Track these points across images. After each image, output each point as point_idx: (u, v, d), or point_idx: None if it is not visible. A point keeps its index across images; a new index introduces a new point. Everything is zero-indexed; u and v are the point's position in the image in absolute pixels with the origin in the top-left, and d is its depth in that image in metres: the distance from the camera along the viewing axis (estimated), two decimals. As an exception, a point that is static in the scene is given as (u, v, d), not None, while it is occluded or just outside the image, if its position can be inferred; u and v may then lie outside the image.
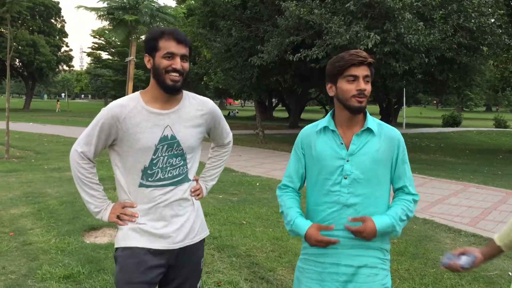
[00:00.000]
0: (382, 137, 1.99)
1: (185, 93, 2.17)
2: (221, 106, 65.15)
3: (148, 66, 2.08)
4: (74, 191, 7.22)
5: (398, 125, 34.62)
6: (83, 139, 2.08)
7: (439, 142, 22.59)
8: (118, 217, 2.05)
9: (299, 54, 12.71)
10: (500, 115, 40.49)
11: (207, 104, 2.22)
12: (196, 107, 2.16)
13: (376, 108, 48.98)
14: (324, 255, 1.99)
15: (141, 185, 2.06)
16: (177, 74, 2.00)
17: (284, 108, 43.41)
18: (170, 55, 1.99)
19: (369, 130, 1.98)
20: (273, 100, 43.81)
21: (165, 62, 2.00)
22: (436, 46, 12.79)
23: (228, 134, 2.44)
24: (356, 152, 1.96)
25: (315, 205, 2.05)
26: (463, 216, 6.67)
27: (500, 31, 14.57)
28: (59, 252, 4.51)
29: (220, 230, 5.38)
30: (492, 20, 14.60)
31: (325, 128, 2.03)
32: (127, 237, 2.09)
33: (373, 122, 2.01)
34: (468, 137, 27.10)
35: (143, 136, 2.01)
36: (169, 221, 2.09)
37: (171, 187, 2.09)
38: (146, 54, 2.07)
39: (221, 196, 7.28)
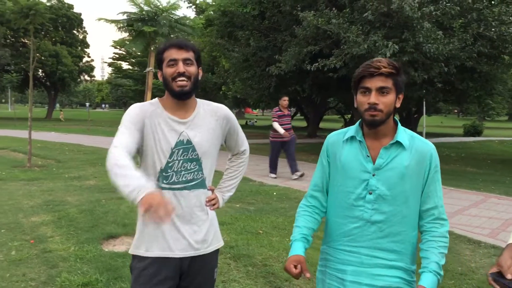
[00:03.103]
0: (413, 152, 1.86)
1: (199, 101, 2.22)
2: (240, 116, 65.36)
3: (161, 79, 2.14)
4: (94, 200, 7.34)
5: (418, 135, 34.21)
6: (116, 138, 2.00)
7: (460, 151, 22.26)
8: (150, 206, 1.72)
9: (317, 64, 12.73)
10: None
11: (222, 109, 2.26)
12: (210, 113, 2.20)
13: (396, 117, 48.62)
14: (345, 272, 1.92)
15: (156, 186, 2.07)
16: (183, 78, 2.04)
17: (302, 117, 43.37)
18: (173, 62, 2.05)
19: (398, 143, 1.86)
20: (291, 109, 43.85)
21: (169, 70, 2.06)
22: (455, 55, 12.67)
23: (243, 141, 2.46)
24: (383, 166, 1.86)
25: (336, 217, 1.98)
26: (483, 227, 6.56)
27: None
28: (78, 259, 4.58)
29: (236, 240, 5.39)
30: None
31: (353, 137, 1.93)
32: (140, 243, 2.13)
33: (404, 134, 1.89)
34: (489, 146, 26.65)
35: (162, 137, 2.07)
36: (182, 228, 2.11)
37: (185, 191, 2.10)
38: (158, 70, 2.15)
39: (238, 205, 7.31)
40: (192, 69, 2.08)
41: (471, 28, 12.57)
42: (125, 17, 13.59)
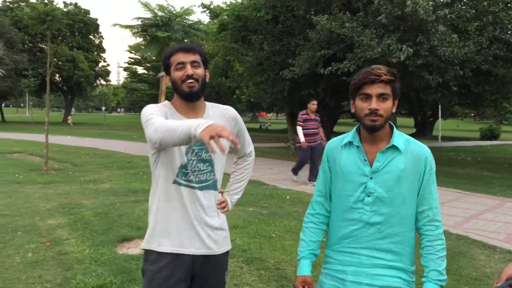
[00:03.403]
0: (409, 155, 1.93)
1: (208, 104, 2.26)
2: (254, 119, 65.42)
3: (170, 84, 2.20)
4: (109, 203, 7.43)
5: (433, 138, 33.93)
6: (152, 120, 1.98)
7: (476, 155, 21.99)
8: (211, 137, 1.72)
9: (331, 68, 12.69)
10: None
11: (230, 111, 2.31)
12: (220, 115, 2.24)
13: (411, 121, 48.15)
14: (345, 273, 1.97)
15: (174, 182, 2.12)
16: (192, 81, 2.09)
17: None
18: (181, 65, 2.10)
19: (394, 147, 1.93)
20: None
21: (178, 74, 2.11)
22: (471, 58, 12.54)
23: (249, 143, 2.50)
24: (380, 169, 1.92)
25: (337, 220, 2.04)
26: (499, 232, 6.48)
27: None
28: (93, 262, 4.64)
29: (249, 243, 5.41)
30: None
31: (350, 143, 2.00)
32: (153, 238, 2.16)
33: (399, 138, 1.95)
34: (506, 150, 26.28)
35: None
36: (197, 227, 2.14)
37: (200, 191, 2.14)
38: (166, 76, 2.21)
39: (251, 209, 7.33)
40: (200, 71, 2.13)
41: (487, 31, 12.42)
42: (139, 22, 13.81)
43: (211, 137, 1.69)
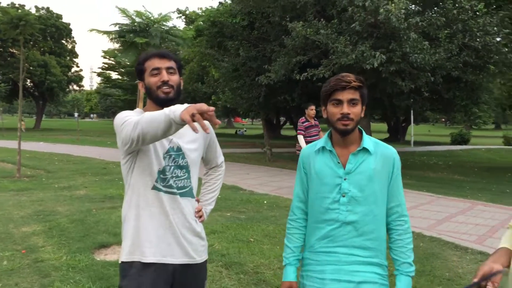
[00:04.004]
0: (378, 156, 2.06)
1: None
2: (229, 125, 65.42)
3: (143, 90, 2.18)
4: (85, 209, 7.35)
5: (406, 143, 34.56)
6: (131, 119, 1.93)
7: (447, 160, 22.53)
8: (193, 116, 1.69)
9: (306, 74, 12.86)
10: (509, 132, 40.32)
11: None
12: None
13: (384, 126, 48.92)
14: (324, 272, 2.06)
15: (154, 188, 2.07)
16: (167, 87, 2.07)
17: (292, 126, 43.61)
18: (156, 70, 2.09)
19: (365, 150, 2.05)
20: (281, 118, 44.01)
21: (153, 79, 2.09)
22: (441, 65, 12.90)
23: (220, 154, 2.48)
24: (353, 170, 2.04)
25: (314, 223, 2.13)
26: (470, 234, 6.68)
27: (506, 49, 14.65)
28: (70, 269, 4.60)
29: (228, 248, 5.44)
30: (498, 39, 14.71)
31: (323, 148, 2.12)
32: (135, 249, 2.08)
33: (369, 141, 2.08)
34: (476, 155, 26.99)
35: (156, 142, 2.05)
36: (180, 235, 2.11)
37: (180, 198, 2.11)
38: (139, 81, 2.18)
39: (229, 214, 7.36)
40: (175, 78, 2.12)
41: (457, 38, 12.80)
42: (117, 28, 13.69)
43: (192, 116, 1.66)
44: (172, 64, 2.13)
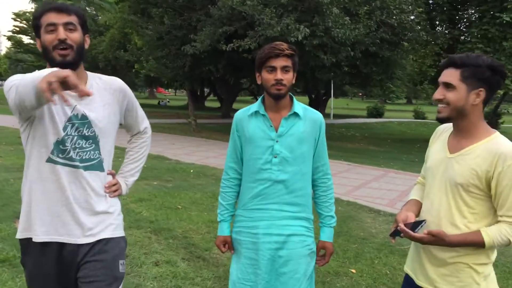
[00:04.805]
0: (307, 120, 2.23)
1: (91, 74, 1.99)
2: (152, 95, 63.86)
3: (40, 49, 1.89)
4: (2, 179, 7.02)
5: (326, 116, 35.83)
6: (12, 87, 1.70)
7: (364, 132, 23.79)
8: (49, 84, 1.41)
9: (232, 44, 12.91)
10: (419, 107, 43.17)
11: (116, 82, 2.05)
12: (104, 86, 1.99)
13: (305, 99, 50.21)
14: (257, 227, 2.25)
15: (49, 160, 1.85)
16: (65, 46, 1.79)
17: (216, 98, 43.49)
18: (52, 26, 1.79)
19: (295, 114, 2.21)
20: (205, 89, 43.70)
21: (48, 37, 1.80)
22: (361, 40, 13.51)
23: (143, 119, 2.25)
24: (284, 133, 2.20)
25: (248, 182, 2.29)
26: (383, 198, 7.25)
27: (419, 27, 15.63)
28: (-9, 238, 4.45)
29: (156, 215, 5.52)
30: (412, 17, 15.62)
31: (256, 112, 2.25)
32: (29, 225, 1.89)
33: (299, 106, 2.25)
34: (390, 127, 28.70)
35: (54, 108, 1.83)
36: (76, 210, 1.88)
37: (84, 171, 1.88)
38: (36, 38, 1.88)
39: (155, 183, 7.37)
40: (76, 35, 1.82)
41: (375, 15, 13.44)
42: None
43: (49, 85, 1.39)
44: (72, 19, 1.82)
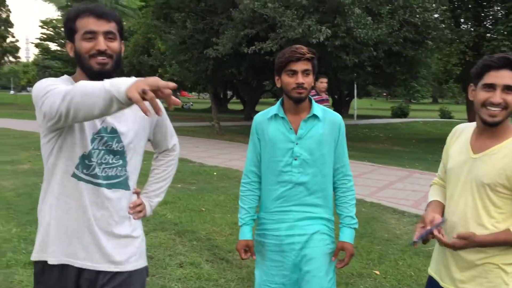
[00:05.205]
0: (326, 122, 2.25)
1: None
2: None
3: (71, 54, 1.75)
4: (31, 183, 7.22)
5: (349, 117, 35.58)
6: (57, 88, 1.55)
7: (388, 132, 23.52)
8: (143, 93, 1.29)
9: (254, 47, 12.96)
10: (445, 106, 42.46)
11: None
12: None
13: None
14: (280, 229, 2.27)
15: (74, 175, 1.71)
16: (104, 57, 1.67)
17: (239, 100, 43.61)
18: (90, 34, 1.66)
19: (314, 116, 2.23)
20: (228, 92, 43.88)
21: (86, 45, 1.67)
22: (383, 40, 13.38)
23: (173, 135, 2.08)
24: (304, 136, 2.22)
25: (269, 184, 2.30)
26: (408, 199, 7.17)
27: (443, 25, 15.39)
28: (21, 240, 4.59)
29: (180, 217, 5.59)
30: (436, 16, 15.41)
31: (276, 115, 2.27)
32: (46, 246, 1.74)
33: (318, 108, 2.26)
34: (415, 127, 28.29)
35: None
36: (97, 233, 1.74)
37: (106, 190, 1.74)
38: (67, 41, 1.75)
39: (179, 185, 7.46)
40: (115, 45, 1.71)
41: (398, 14, 13.31)
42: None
43: (143, 94, 1.28)
44: (112, 26, 1.70)
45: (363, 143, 17.01)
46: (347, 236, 2.31)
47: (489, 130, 1.87)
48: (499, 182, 1.80)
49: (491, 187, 1.82)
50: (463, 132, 2.03)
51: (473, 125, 2.00)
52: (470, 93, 1.93)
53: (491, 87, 1.80)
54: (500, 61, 1.79)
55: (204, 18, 16.15)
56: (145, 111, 1.28)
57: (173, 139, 2.08)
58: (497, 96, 1.78)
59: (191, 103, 53.87)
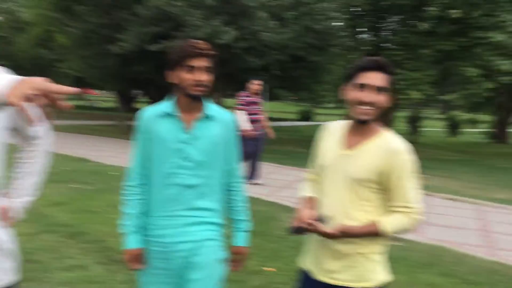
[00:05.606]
0: (219, 122, 2.12)
1: None
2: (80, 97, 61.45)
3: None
4: None
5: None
6: None
7: (292, 134, 24.32)
8: (28, 99, 1.03)
9: (160, 45, 12.74)
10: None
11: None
12: None
13: (234, 101, 50.42)
14: (164, 236, 2.10)
15: None
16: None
17: (149, 99, 42.58)
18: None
19: (208, 116, 2.09)
20: (135, 91, 42.63)
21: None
22: (288, 44, 13.81)
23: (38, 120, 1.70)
24: (196, 136, 2.07)
25: (157, 187, 2.11)
26: (304, 198, 7.44)
27: (344, 34, 16.25)
28: None
29: (72, 218, 5.36)
30: (340, 23, 16.23)
31: (167, 113, 2.09)
32: None
33: (212, 108, 2.13)
34: (316, 130, 29.49)
35: None
36: None
37: None
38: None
39: (75, 186, 7.12)
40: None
41: (301, 20, 13.81)
42: None
43: (27, 99, 1.01)
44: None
45: (269, 144, 17.39)
46: (241, 240, 2.26)
47: (361, 127, 2.00)
48: (368, 177, 1.94)
49: (361, 182, 1.95)
50: (336, 129, 2.13)
51: (346, 122, 2.11)
52: (343, 92, 2.03)
53: (363, 87, 1.92)
54: (371, 63, 1.93)
55: (109, 13, 15.54)
56: (29, 120, 1.04)
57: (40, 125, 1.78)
58: (369, 96, 1.91)
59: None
